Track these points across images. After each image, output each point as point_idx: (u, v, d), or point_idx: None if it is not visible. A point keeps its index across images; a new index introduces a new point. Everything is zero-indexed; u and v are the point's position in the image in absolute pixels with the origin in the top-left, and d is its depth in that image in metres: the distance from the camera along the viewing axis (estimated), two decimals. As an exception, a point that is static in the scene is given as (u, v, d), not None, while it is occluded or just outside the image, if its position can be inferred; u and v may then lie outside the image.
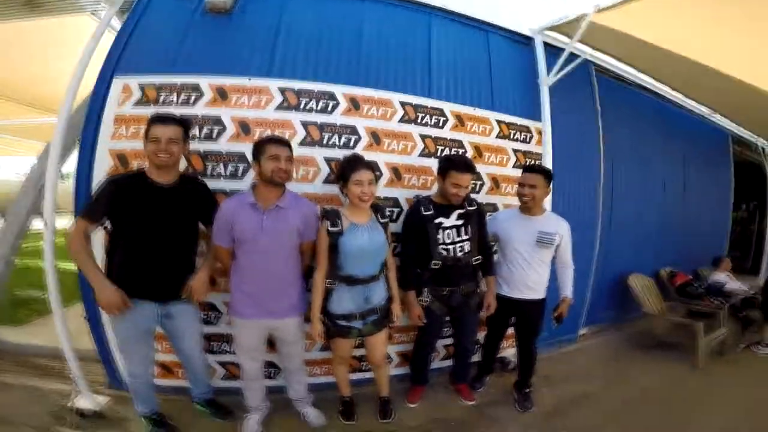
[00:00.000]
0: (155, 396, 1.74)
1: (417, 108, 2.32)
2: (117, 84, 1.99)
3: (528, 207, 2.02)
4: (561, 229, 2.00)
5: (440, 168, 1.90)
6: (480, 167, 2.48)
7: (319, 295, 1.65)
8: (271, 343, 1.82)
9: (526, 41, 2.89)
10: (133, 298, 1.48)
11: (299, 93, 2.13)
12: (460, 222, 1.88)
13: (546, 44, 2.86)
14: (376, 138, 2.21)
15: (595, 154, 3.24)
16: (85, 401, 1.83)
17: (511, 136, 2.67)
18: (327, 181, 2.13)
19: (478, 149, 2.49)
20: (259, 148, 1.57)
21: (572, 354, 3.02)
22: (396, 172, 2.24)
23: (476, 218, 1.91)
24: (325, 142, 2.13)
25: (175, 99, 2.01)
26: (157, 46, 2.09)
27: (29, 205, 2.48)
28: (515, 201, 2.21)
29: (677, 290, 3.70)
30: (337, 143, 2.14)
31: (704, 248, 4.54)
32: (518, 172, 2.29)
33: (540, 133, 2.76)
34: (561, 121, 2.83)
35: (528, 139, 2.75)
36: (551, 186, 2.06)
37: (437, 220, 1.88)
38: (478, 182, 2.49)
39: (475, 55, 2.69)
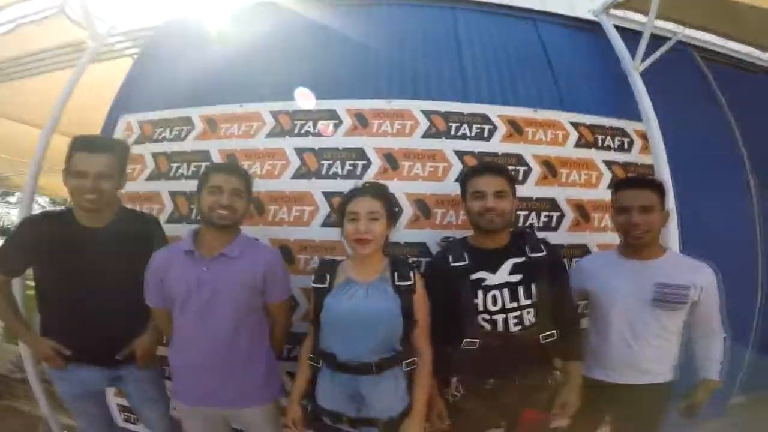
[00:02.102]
0: None
1: (448, 116, 1.68)
2: (121, 122, 1.92)
3: (639, 245, 1.21)
4: (700, 279, 1.20)
5: (461, 188, 1.29)
6: (555, 191, 1.65)
7: (300, 371, 1.19)
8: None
9: (589, 26, 2.18)
10: (71, 363, 1.23)
11: (293, 115, 1.70)
12: (515, 278, 1.15)
13: (620, 29, 2.11)
14: (391, 161, 1.60)
15: (735, 162, 2.19)
16: None
17: (600, 144, 1.81)
18: (326, 223, 1.55)
19: (548, 165, 1.69)
20: (201, 178, 1.17)
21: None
22: (422, 206, 1.55)
23: (546, 270, 1.17)
24: (324, 172, 1.60)
25: (167, 134, 1.82)
26: (158, 83, 2.00)
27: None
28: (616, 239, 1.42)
29: None
30: (339, 172, 1.59)
31: None
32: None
33: (643, 137, 1.85)
34: (668, 120, 1.89)
35: (626, 146, 1.86)
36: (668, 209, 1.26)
37: (476, 276, 1.16)
38: (555, 213, 1.63)
39: (523, 48, 2.06)
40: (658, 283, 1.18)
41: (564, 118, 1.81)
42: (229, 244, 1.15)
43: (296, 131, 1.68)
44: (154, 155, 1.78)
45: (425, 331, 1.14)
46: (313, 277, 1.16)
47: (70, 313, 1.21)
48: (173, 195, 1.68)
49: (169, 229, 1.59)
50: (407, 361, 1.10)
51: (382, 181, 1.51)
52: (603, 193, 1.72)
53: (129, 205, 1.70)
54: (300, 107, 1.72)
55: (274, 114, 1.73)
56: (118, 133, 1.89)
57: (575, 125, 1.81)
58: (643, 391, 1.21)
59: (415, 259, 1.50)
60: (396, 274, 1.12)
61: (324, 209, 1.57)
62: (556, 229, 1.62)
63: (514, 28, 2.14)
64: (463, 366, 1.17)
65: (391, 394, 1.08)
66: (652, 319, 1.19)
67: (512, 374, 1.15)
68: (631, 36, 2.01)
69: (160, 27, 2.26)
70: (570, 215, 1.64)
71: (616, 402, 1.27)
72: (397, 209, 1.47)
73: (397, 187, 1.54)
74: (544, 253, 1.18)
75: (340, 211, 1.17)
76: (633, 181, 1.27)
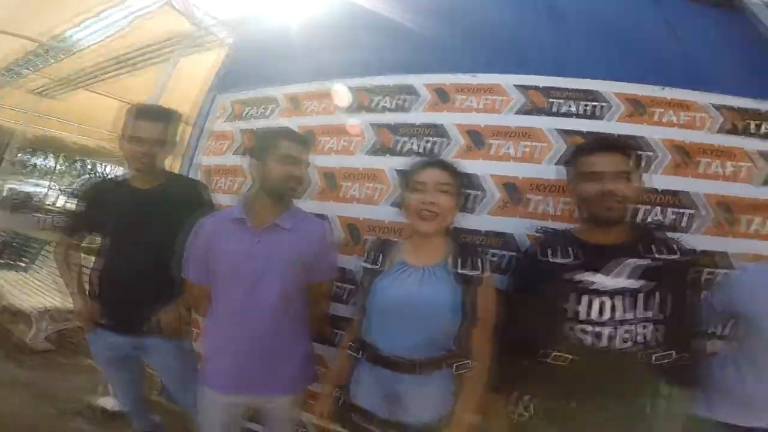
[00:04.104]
0: (148, 416, 1.50)
1: (548, 92, 1.45)
2: (216, 103, 2.08)
3: None
4: None
5: (567, 168, 1.09)
6: (690, 183, 1.30)
7: (339, 360, 1.11)
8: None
9: (720, 4, 1.75)
10: (99, 329, 1.26)
11: (371, 91, 1.65)
12: (635, 283, 0.92)
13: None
14: (476, 139, 1.43)
15: None
16: (107, 401, 1.95)
17: (752, 131, 1.40)
18: (398, 204, 1.43)
19: (682, 151, 1.34)
20: (265, 142, 1.10)
21: None
22: (512, 189, 1.34)
23: (680, 277, 0.95)
24: (398, 149, 1.49)
25: (254, 112, 1.92)
26: (249, 66, 2.11)
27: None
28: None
29: None
30: (415, 149, 1.47)
31: None
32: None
33: (814, 126, 1.39)
34: None
35: (794, 136, 1.40)
36: None
37: (581, 277, 0.94)
38: (688, 211, 1.28)
39: (639, 22, 1.70)
40: None
41: (702, 98, 1.44)
42: (281, 214, 1.08)
43: (373, 106, 1.62)
44: (242, 131, 1.88)
45: (488, 331, 0.97)
46: (364, 256, 1.06)
47: (107, 274, 1.26)
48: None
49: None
50: (459, 363, 0.94)
51: (465, 161, 1.37)
52: (754, 190, 1.31)
53: (216, 178, 1.84)
54: (377, 83, 1.65)
55: (353, 90, 1.69)
56: (213, 114, 2.05)
57: (718, 107, 1.42)
58: None
59: (497, 251, 1.29)
60: (460, 260, 0.97)
61: (396, 189, 1.46)
62: (686, 230, 1.27)
63: (629, 4, 1.81)
64: (542, 383, 0.97)
65: (431, 399, 0.94)
66: None
67: (604, 398, 0.91)
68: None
69: (251, 15, 2.42)
70: (708, 214, 1.27)
71: None
72: (481, 194, 1.32)
73: (482, 167, 1.37)
74: (678, 256, 0.93)
75: (403, 183, 1.06)
76: None
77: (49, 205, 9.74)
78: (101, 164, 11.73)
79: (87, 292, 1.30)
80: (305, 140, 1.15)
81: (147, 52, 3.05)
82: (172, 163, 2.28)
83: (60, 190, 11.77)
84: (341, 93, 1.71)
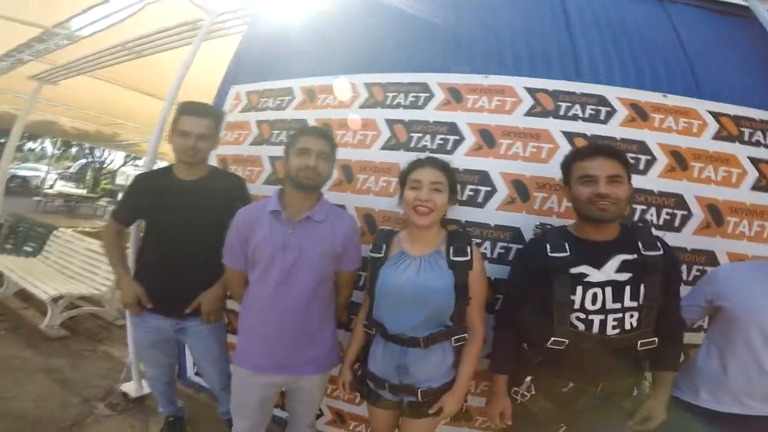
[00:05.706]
0: (174, 399, 1.65)
1: (556, 95, 1.52)
2: (231, 93, 2.11)
3: None
4: None
5: (564, 172, 1.14)
6: (683, 186, 1.40)
7: (355, 337, 1.24)
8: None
9: (733, 11, 1.82)
10: (146, 313, 1.36)
11: (386, 87, 1.70)
12: (623, 276, 1.01)
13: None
14: (487, 138, 1.50)
15: None
16: (130, 387, 1.98)
17: (746, 138, 1.49)
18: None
19: (678, 156, 1.43)
20: (289, 140, 1.20)
21: None
22: (520, 187, 1.43)
23: (661, 272, 1.02)
24: (412, 144, 1.57)
25: (271, 104, 1.96)
26: (264, 56, 2.15)
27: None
28: (758, 248, 1.31)
29: None
30: (429, 145, 1.54)
31: None
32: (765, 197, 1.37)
33: (807, 135, 1.49)
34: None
35: (783, 144, 1.50)
36: None
37: (577, 270, 1.03)
38: (679, 212, 1.38)
39: (647, 29, 1.77)
40: None
41: (701, 106, 1.52)
42: (313, 207, 1.17)
43: (388, 103, 1.68)
44: (258, 122, 1.93)
45: (480, 308, 1.13)
46: (370, 246, 1.17)
47: (153, 259, 1.35)
48: (272, 159, 1.81)
49: (267, 191, 1.72)
50: (456, 336, 1.09)
51: (475, 158, 1.46)
52: (745, 193, 1.41)
53: (233, 167, 1.90)
54: (392, 80, 1.71)
55: (368, 86, 1.75)
56: (228, 105, 2.09)
57: (715, 115, 1.51)
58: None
59: (505, 244, 1.39)
60: (452, 248, 1.09)
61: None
62: (679, 229, 1.37)
63: (635, 6, 1.87)
64: (542, 366, 1.07)
65: (435, 367, 1.08)
66: None
67: (596, 380, 1.03)
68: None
69: (263, 4, 2.40)
70: (699, 215, 1.37)
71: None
72: (489, 190, 1.40)
73: (492, 165, 1.45)
74: (661, 252, 1.02)
75: (401, 180, 1.16)
76: None
77: (47, 188, 9.69)
78: (99, 148, 11.72)
79: (134, 277, 1.40)
80: (323, 134, 1.22)
81: (156, 40, 3.04)
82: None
83: (58, 174, 11.80)
84: (357, 88, 1.77)
